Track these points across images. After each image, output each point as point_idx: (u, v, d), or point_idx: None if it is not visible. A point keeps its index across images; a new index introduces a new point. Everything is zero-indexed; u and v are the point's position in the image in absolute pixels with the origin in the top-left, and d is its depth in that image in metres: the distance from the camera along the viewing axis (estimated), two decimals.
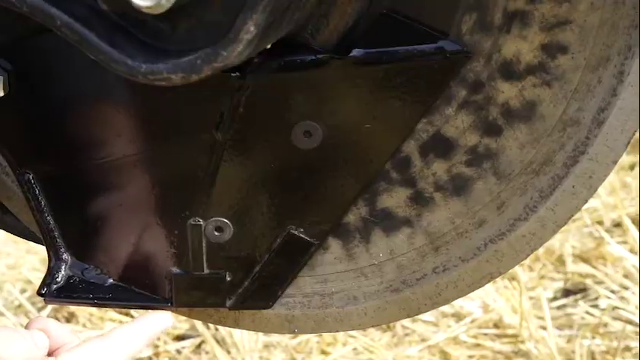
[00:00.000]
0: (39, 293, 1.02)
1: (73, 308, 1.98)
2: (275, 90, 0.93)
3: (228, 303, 1.03)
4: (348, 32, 0.91)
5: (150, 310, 1.04)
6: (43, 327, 0.99)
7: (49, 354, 0.99)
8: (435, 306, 1.01)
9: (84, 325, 1.96)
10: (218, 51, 0.79)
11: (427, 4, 0.90)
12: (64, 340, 1.00)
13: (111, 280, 1.03)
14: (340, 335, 1.91)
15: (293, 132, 0.95)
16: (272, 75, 0.92)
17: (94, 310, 1.98)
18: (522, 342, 1.87)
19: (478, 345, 1.90)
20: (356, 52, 0.91)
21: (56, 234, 1.02)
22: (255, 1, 0.77)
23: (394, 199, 0.98)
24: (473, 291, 0.99)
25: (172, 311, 1.06)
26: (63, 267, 1.03)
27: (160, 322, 1.03)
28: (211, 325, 1.95)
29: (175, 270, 1.02)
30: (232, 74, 0.92)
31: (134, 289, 1.03)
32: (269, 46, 0.89)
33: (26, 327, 1.00)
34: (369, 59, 0.91)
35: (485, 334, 1.93)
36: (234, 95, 0.93)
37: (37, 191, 1.00)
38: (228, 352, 1.90)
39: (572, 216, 0.96)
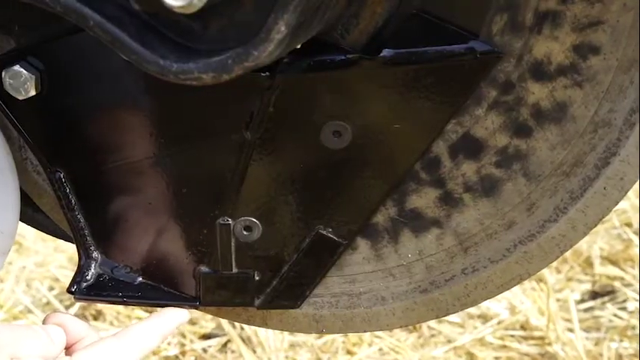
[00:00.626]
0: (69, 291, 1.03)
1: (100, 306, 1.99)
2: (304, 90, 0.93)
3: (257, 302, 1.03)
4: (378, 32, 0.91)
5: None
6: (60, 322, 0.99)
7: (67, 348, 1.00)
8: (463, 307, 1.00)
9: (111, 323, 1.97)
10: (249, 51, 0.79)
11: (458, 5, 0.90)
12: (81, 334, 1.00)
13: (140, 279, 1.04)
14: (366, 335, 1.91)
15: (322, 132, 0.95)
16: (302, 75, 0.92)
17: (121, 308, 1.99)
18: (549, 344, 1.86)
19: (504, 347, 1.89)
20: (386, 52, 0.91)
21: (86, 232, 1.02)
22: (286, 1, 0.77)
23: (423, 200, 0.98)
24: (502, 292, 0.99)
25: (200, 310, 1.06)
26: (93, 265, 1.03)
27: (175, 317, 1.03)
28: (237, 324, 1.95)
29: (204, 269, 1.02)
30: (262, 74, 0.92)
31: (163, 288, 1.04)
32: (299, 46, 0.89)
33: (43, 322, 1.00)
34: (399, 59, 0.91)
35: (512, 336, 1.92)
36: (263, 95, 0.93)
37: (68, 190, 1.01)
38: (254, 352, 1.91)
39: (603, 218, 0.96)
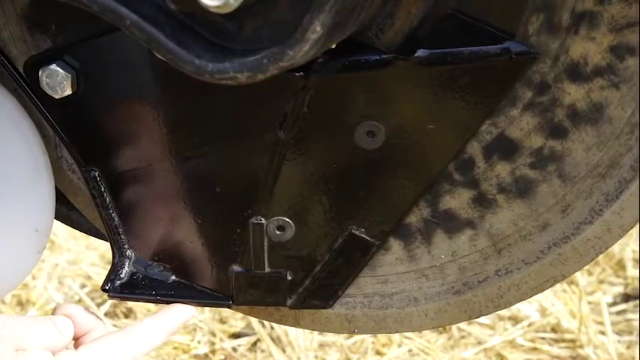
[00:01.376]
0: (103, 289, 1.03)
1: (131, 304, 2.00)
2: (339, 90, 0.93)
3: (289, 302, 1.03)
4: (413, 32, 0.91)
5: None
6: (69, 313, 0.99)
7: (76, 339, 1.00)
8: (496, 309, 1.00)
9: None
10: (284, 50, 0.79)
11: (494, 5, 0.90)
12: (90, 326, 1.00)
13: (173, 277, 1.04)
14: (395, 336, 1.91)
15: (356, 132, 0.95)
16: (336, 75, 0.92)
17: (151, 306, 2.00)
18: (581, 347, 1.85)
19: (535, 349, 1.88)
20: (420, 52, 0.91)
21: (120, 231, 1.03)
22: (322, 1, 0.77)
23: (457, 201, 0.98)
24: (535, 294, 0.98)
25: (233, 309, 1.06)
26: (127, 263, 1.04)
27: (181, 315, 1.03)
28: (267, 324, 1.95)
29: (237, 268, 1.02)
30: (296, 74, 0.92)
31: (196, 287, 1.04)
32: (334, 46, 0.89)
33: (52, 313, 1.00)
34: (434, 60, 0.91)
35: (543, 338, 1.90)
36: (298, 95, 0.93)
37: (103, 188, 1.01)
38: (284, 351, 1.91)
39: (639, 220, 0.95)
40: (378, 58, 0.91)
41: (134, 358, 0.98)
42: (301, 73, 0.92)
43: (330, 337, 1.94)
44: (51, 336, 0.95)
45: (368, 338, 1.93)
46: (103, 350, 0.96)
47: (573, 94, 0.92)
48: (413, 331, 1.05)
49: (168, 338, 1.03)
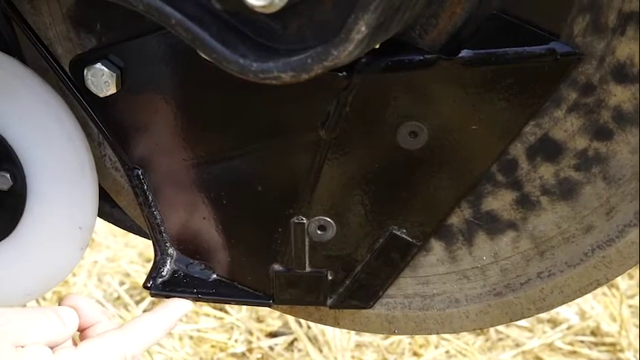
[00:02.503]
0: (145, 286, 1.04)
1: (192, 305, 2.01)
2: (381, 90, 0.93)
3: (329, 302, 1.03)
4: (457, 33, 0.91)
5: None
6: (75, 304, 0.99)
7: (81, 331, 1.00)
8: (539, 311, 0.99)
9: (179, 320, 1.99)
10: (329, 50, 0.79)
11: (539, 6, 0.89)
12: (95, 319, 1.00)
13: (214, 276, 1.05)
14: (433, 337, 1.90)
15: (398, 132, 0.94)
16: (379, 75, 0.92)
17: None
18: (621, 351, 1.83)
19: (574, 352, 1.86)
20: (464, 52, 0.90)
21: (162, 229, 1.04)
22: (367, 1, 0.77)
23: (499, 202, 0.97)
24: (578, 297, 0.98)
25: (273, 308, 1.07)
26: (168, 261, 1.05)
27: (179, 309, 1.03)
28: (304, 323, 1.95)
29: (277, 267, 1.03)
30: (339, 73, 0.92)
31: (237, 285, 1.05)
32: (377, 46, 0.89)
33: (59, 303, 1.00)
34: (478, 60, 0.90)
35: (582, 342, 1.89)
36: (340, 94, 0.93)
37: (146, 186, 1.02)
38: (320, 351, 1.91)
39: None
40: (421, 58, 0.91)
41: (133, 355, 0.98)
42: (344, 73, 0.92)
43: (367, 337, 1.94)
44: (54, 328, 0.95)
45: (405, 339, 1.93)
46: (102, 348, 0.96)
47: (619, 95, 0.91)
48: (453, 332, 1.05)
49: (167, 333, 1.03)
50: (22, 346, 0.92)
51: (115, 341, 0.97)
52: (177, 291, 1.04)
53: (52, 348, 0.94)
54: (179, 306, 1.03)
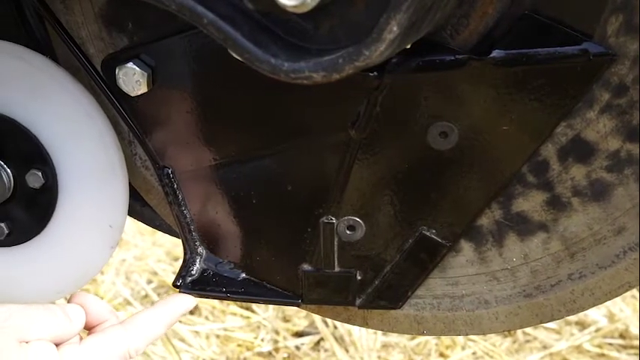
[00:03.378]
0: (174, 285, 1.04)
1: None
2: (412, 90, 0.93)
3: (358, 302, 1.03)
4: (488, 33, 0.90)
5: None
6: (82, 302, 0.99)
7: (88, 329, 1.00)
8: (569, 313, 0.98)
9: (206, 318, 2.00)
10: (360, 50, 0.79)
11: (571, 6, 0.88)
12: (103, 316, 1.00)
13: (243, 275, 1.05)
14: (460, 338, 1.89)
15: (429, 132, 0.94)
16: (410, 75, 0.92)
17: (216, 303, 2.02)
18: None
19: (602, 355, 1.85)
20: (496, 52, 0.90)
21: (192, 228, 1.04)
22: (399, 1, 0.77)
23: (530, 203, 0.96)
24: (609, 299, 0.97)
25: (302, 308, 1.07)
26: (198, 260, 1.05)
27: (181, 306, 1.03)
28: (330, 323, 1.96)
29: (306, 267, 1.03)
30: (370, 73, 0.92)
31: (265, 285, 1.05)
32: (408, 46, 0.89)
33: (68, 301, 1.01)
34: (510, 60, 0.90)
35: (611, 344, 1.88)
36: (371, 94, 0.93)
37: (176, 185, 1.02)
38: (347, 351, 1.91)
39: None
40: (452, 58, 0.91)
41: (136, 349, 0.98)
42: (375, 73, 0.92)
43: (393, 337, 1.94)
44: (60, 324, 0.95)
45: (431, 340, 1.92)
46: (106, 343, 0.96)
47: None
48: (483, 333, 1.04)
49: (169, 329, 1.02)
50: (27, 342, 0.92)
51: (118, 336, 0.97)
52: (207, 290, 1.04)
53: (57, 344, 0.95)
54: (182, 301, 1.03)
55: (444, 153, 0.95)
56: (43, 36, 1.04)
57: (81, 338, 0.99)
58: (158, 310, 1.01)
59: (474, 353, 1.89)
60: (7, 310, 0.93)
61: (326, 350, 1.92)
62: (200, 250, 1.05)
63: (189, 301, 1.04)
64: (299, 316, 2.01)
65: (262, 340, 1.94)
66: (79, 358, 0.94)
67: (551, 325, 1.93)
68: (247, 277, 1.05)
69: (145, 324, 0.99)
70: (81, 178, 1.03)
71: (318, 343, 1.95)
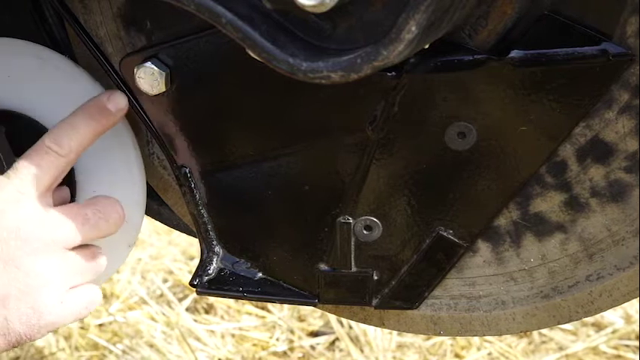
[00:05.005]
0: (191, 284, 1.05)
1: (212, 300, 2.02)
2: (430, 90, 0.92)
3: (374, 302, 1.03)
4: (507, 33, 0.90)
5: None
6: None
7: None
8: (586, 315, 0.98)
9: (222, 317, 2.00)
10: (379, 50, 0.79)
11: (591, 6, 0.88)
12: None
13: (260, 274, 1.05)
14: (475, 339, 1.89)
15: (446, 133, 0.94)
16: (428, 75, 0.92)
17: (231, 302, 2.02)
18: None
19: (619, 357, 1.84)
20: (515, 53, 0.90)
21: (209, 227, 1.04)
22: (417, 1, 0.77)
23: (548, 204, 0.96)
24: (628, 301, 0.96)
25: (319, 307, 1.07)
26: (215, 259, 1.05)
27: (112, 105, 0.98)
28: (345, 323, 1.95)
29: (323, 267, 1.03)
30: (388, 73, 0.92)
31: (282, 284, 1.05)
32: (426, 46, 0.89)
33: None
34: (528, 61, 0.89)
35: (627, 346, 1.87)
36: (389, 94, 0.93)
37: (193, 185, 1.03)
38: (362, 351, 1.91)
39: None
40: (471, 58, 0.90)
41: (54, 138, 0.96)
42: (393, 73, 0.91)
43: (408, 337, 1.94)
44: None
45: (447, 340, 1.92)
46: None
47: None
48: (500, 334, 1.04)
49: (97, 130, 0.98)
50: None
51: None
52: (224, 289, 1.04)
53: None
54: (108, 98, 0.98)
55: (461, 153, 0.95)
56: (62, 35, 1.05)
57: None
58: (81, 114, 0.98)
59: (489, 354, 1.88)
60: None
61: (341, 350, 1.92)
62: (217, 249, 1.05)
63: (115, 96, 0.99)
64: (314, 316, 2.01)
65: (277, 339, 1.94)
66: (8, 188, 0.93)
67: (567, 326, 1.93)
68: (264, 276, 1.05)
69: (69, 133, 0.97)
70: (98, 177, 1.04)
71: (333, 343, 1.95)
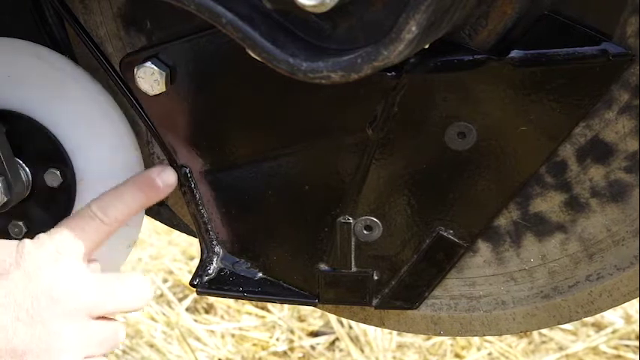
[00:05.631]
0: (191, 284, 1.05)
1: (212, 300, 2.02)
2: (430, 90, 0.92)
3: (374, 302, 1.03)
4: (507, 33, 0.90)
5: None
6: None
7: None
8: (587, 314, 0.98)
9: (222, 317, 2.00)
10: (379, 50, 0.79)
11: (591, 6, 0.88)
12: None
13: (260, 274, 1.05)
14: (475, 339, 1.89)
15: (446, 133, 0.94)
16: (428, 75, 0.92)
17: (231, 302, 2.02)
18: None
19: (619, 357, 1.85)
20: (515, 53, 0.89)
21: (209, 227, 1.04)
22: (418, 1, 0.77)
23: (548, 204, 0.96)
24: (628, 301, 0.96)
25: (319, 307, 1.07)
26: (215, 259, 1.05)
27: (158, 176, 1.00)
28: (346, 323, 1.96)
29: (323, 267, 1.03)
30: (388, 73, 0.91)
31: (282, 284, 1.05)
32: (426, 46, 0.89)
33: None
34: (528, 61, 0.89)
35: (627, 346, 1.87)
36: (389, 94, 0.93)
37: (193, 185, 1.03)
38: (362, 351, 1.91)
39: None
40: (471, 58, 0.90)
41: (100, 206, 0.97)
42: (393, 73, 0.91)
43: (408, 337, 1.94)
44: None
45: (447, 340, 1.92)
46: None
47: None
48: (500, 334, 1.04)
49: (145, 204, 1.00)
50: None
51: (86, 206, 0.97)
52: (224, 289, 1.04)
53: None
54: (159, 172, 1.00)
55: (461, 153, 0.95)
56: (62, 35, 1.05)
57: None
58: (130, 186, 0.99)
59: (489, 354, 1.88)
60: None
61: (341, 350, 1.92)
62: (217, 249, 1.05)
63: (165, 173, 1.01)
64: (314, 316, 2.01)
65: (277, 339, 1.94)
66: (49, 247, 0.94)
67: (567, 326, 1.93)
68: (264, 276, 1.05)
69: (116, 202, 0.98)
70: (99, 177, 1.04)
71: (333, 343, 1.95)
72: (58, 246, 0.94)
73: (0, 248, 0.94)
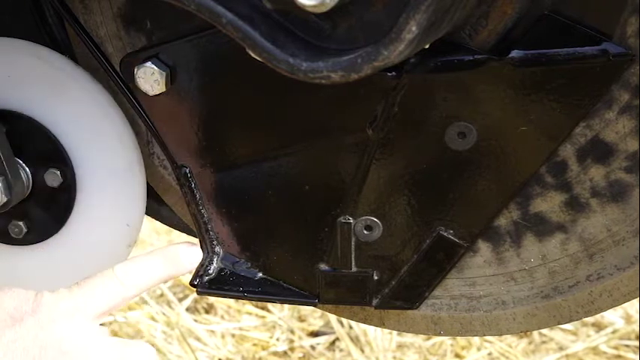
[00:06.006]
0: (191, 284, 1.05)
1: (212, 300, 2.02)
2: (430, 90, 0.92)
3: (374, 302, 1.03)
4: (507, 33, 0.90)
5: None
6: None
7: None
8: (587, 314, 0.98)
9: (222, 317, 2.00)
10: (379, 50, 0.79)
11: (591, 6, 0.88)
12: None
13: (260, 274, 1.05)
14: (475, 339, 1.89)
15: (446, 133, 0.94)
16: (428, 75, 0.92)
17: (231, 302, 2.02)
18: None
19: (619, 357, 1.85)
20: (515, 53, 0.89)
21: (210, 227, 1.04)
22: (418, 1, 0.77)
23: (548, 204, 0.96)
24: (628, 301, 0.96)
25: (319, 307, 1.07)
26: (215, 259, 1.05)
27: (184, 256, 1.01)
28: (346, 323, 1.96)
29: (323, 267, 1.03)
30: (388, 73, 0.91)
31: (282, 284, 1.05)
32: (427, 46, 0.89)
33: None
34: (529, 61, 0.89)
35: (627, 346, 1.87)
36: (389, 94, 0.93)
37: (193, 185, 1.03)
38: (362, 351, 1.91)
39: None
40: (471, 58, 0.90)
41: (125, 298, 0.97)
42: (393, 73, 0.91)
43: (408, 337, 1.94)
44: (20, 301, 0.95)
45: (447, 340, 1.92)
46: (95, 289, 0.96)
47: None
48: (500, 334, 1.04)
49: (167, 280, 1.01)
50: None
51: (109, 284, 0.97)
52: (224, 289, 1.04)
53: None
54: (185, 252, 1.01)
55: (461, 153, 0.95)
56: (62, 35, 1.05)
57: None
58: (156, 258, 1.00)
59: (489, 354, 1.88)
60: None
61: (341, 350, 1.92)
62: (217, 249, 1.05)
63: (192, 252, 1.02)
64: (314, 316, 2.01)
65: (278, 339, 1.94)
66: (66, 301, 0.95)
67: (567, 326, 1.93)
68: (264, 276, 1.05)
69: (139, 271, 0.99)
70: (99, 177, 1.04)
71: (333, 343, 1.95)
72: (77, 302, 0.95)
73: (18, 295, 0.95)
